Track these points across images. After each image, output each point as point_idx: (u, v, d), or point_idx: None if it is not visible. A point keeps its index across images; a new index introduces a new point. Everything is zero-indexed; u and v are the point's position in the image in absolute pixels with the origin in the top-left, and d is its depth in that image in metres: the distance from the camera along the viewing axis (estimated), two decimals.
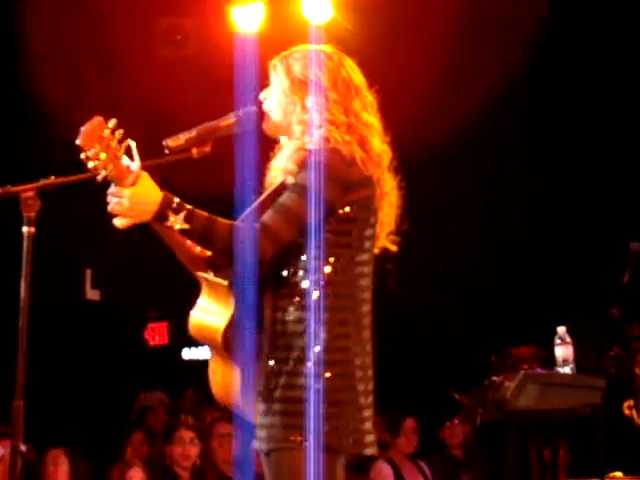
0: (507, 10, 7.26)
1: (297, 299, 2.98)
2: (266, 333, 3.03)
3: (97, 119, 2.76)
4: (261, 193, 3.18)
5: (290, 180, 3.01)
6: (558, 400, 5.20)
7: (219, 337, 3.01)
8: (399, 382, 7.36)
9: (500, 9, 7.24)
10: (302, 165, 2.98)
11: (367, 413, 3.00)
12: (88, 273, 8.44)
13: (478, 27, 7.35)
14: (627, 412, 5.49)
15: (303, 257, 2.97)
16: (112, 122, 2.76)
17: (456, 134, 7.39)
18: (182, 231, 2.85)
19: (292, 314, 2.98)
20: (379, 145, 3.10)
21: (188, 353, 10.62)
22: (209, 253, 3.02)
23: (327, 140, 2.98)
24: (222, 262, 3.00)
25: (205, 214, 2.88)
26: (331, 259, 2.97)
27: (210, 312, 3.06)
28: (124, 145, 2.77)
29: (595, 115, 7.75)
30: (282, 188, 3.04)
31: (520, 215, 8.04)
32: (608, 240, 7.17)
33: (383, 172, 3.10)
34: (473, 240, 7.94)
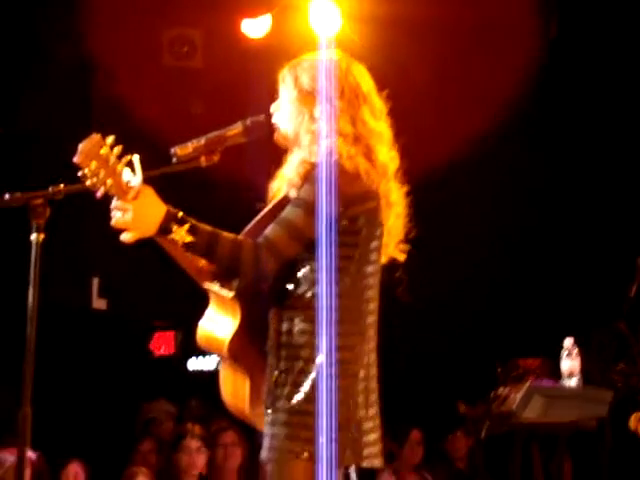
0: (516, 24, 7.26)
1: (302, 311, 2.98)
2: (271, 344, 3.04)
3: (95, 136, 2.77)
4: (266, 201, 3.19)
5: (293, 193, 3.02)
6: (564, 413, 5.19)
7: (225, 348, 3.02)
8: (405, 393, 7.34)
9: (509, 22, 7.24)
10: (306, 178, 2.99)
11: (368, 425, 3.00)
12: (95, 282, 8.43)
13: (489, 39, 7.36)
14: (633, 426, 5.48)
15: (307, 269, 2.98)
16: (110, 138, 2.77)
17: (468, 145, 7.39)
18: (185, 245, 2.86)
19: (297, 325, 2.99)
20: (386, 153, 3.11)
21: (194, 363, 10.61)
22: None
23: (332, 153, 2.98)
24: (226, 274, 3.00)
25: (209, 228, 2.89)
26: (336, 271, 2.97)
27: (217, 323, 3.08)
28: (124, 160, 2.78)
29: (607, 129, 7.75)
30: (285, 201, 3.05)
31: (528, 227, 8.03)
32: (616, 254, 7.16)
33: (389, 181, 3.10)
34: (480, 251, 7.92)
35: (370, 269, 3.06)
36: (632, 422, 5.46)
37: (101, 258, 8.04)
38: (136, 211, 2.81)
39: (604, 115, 7.73)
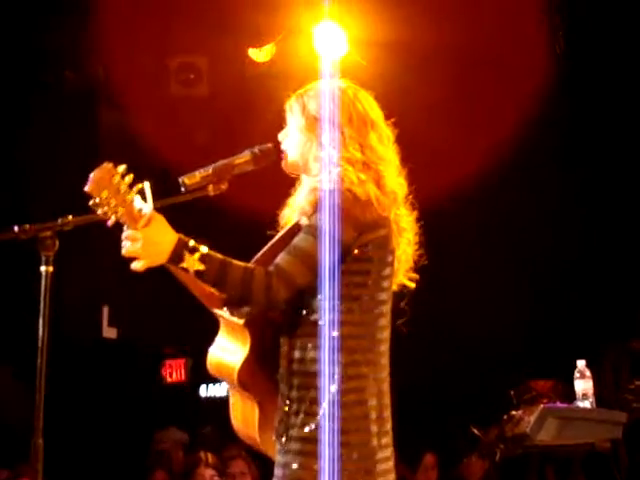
0: (523, 45, 7.26)
1: (314, 339, 2.96)
2: (283, 372, 3.03)
3: (106, 165, 2.77)
4: (277, 229, 3.19)
5: (304, 221, 3.01)
6: (578, 435, 5.16)
7: (235, 375, 3.01)
8: (418, 416, 7.31)
9: (516, 44, 7.24)
10: (317, 206, 2.97)
11: (382, 454, 2.97)
12: (105, 311, 8.43)
13: (497, 61, 7.36)
14: None
15: (319, 297, 2.96)
16: (122, 167, 2.77)
17: (480, 170, 7.38)
18: (197, 273, 2.84)
19: (309, 354, 2.97)
20: (394, 180, 3.10)
21: (205, 390, 10.59)
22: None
23: (342, 180, 2.97)
24: (237, 302, 3.00)
25: (220, 256, 2.88)
26: (348, 299, 2.96)
27: (227, 350, 3.07)
28: (135, 189, 2.78)
29: (626, 151, 7.73)
30: (296, 229, 3.04)
31: (539, 249, 8.02)
32: (628, 274, 7.15)
33: (399, 207, 3.09)
34: (494, 274, 7.92)
35: (383, 296, 3.04)
36: None
37: (110, 287, 8.05)
38: (147, 239, 2.80)
39: (626, 137, 7.71)
